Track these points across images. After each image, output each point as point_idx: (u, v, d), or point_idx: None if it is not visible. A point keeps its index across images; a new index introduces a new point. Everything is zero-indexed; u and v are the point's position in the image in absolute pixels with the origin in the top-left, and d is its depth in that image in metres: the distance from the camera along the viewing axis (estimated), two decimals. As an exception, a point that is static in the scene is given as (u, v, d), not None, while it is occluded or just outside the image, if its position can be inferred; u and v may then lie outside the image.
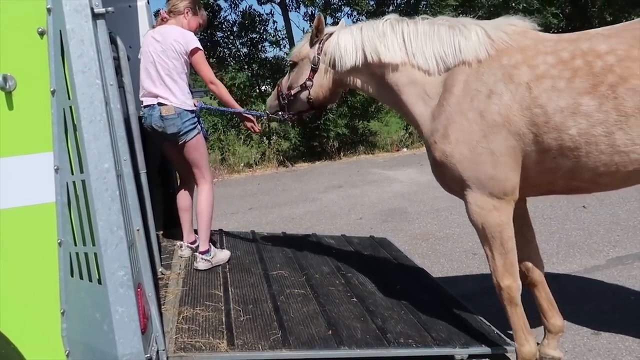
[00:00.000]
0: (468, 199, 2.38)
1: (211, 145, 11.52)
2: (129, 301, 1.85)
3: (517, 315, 2.47)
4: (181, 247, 3.45)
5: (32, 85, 1.85)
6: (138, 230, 2.04)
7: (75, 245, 1.93)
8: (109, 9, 1.85)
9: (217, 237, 4.12)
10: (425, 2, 11.36)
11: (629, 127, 2.03)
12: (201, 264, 3.27)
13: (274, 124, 11.92)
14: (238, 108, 3.44)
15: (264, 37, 12.47)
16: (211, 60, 11.34)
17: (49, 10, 1.80)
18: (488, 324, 2.82)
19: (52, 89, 1.85)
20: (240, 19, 12.16)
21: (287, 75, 3.05)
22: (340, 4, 11.72)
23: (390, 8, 11.94)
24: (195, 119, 3.19)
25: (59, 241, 1.95)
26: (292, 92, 2.93)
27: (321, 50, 2.77)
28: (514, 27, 2.39)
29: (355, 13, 11.88)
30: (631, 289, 3.60)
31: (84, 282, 1.92)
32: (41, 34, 1.82)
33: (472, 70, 2.33)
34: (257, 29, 12.35)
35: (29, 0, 1.81)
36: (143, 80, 3.16)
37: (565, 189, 2.38)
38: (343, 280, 3.32)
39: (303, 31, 12.79)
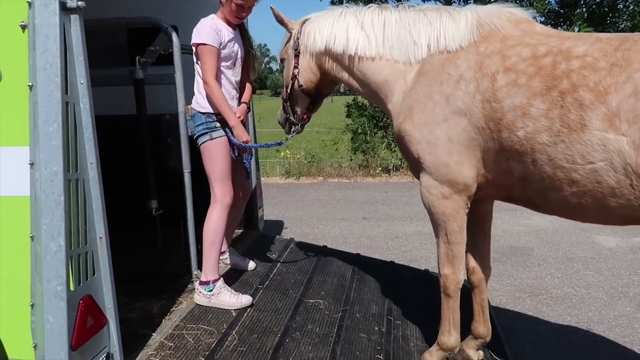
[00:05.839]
0: (421, 181, 2.36)
1: (357, 146, 11.43)
2: (59, 313, 1.75)
3: (449, 307, 2.44)
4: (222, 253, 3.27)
5: (15, 79, 1.85)
6: (101, 238, 1.94)
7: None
8: (80, 3, 1.74)
9: (283, 246, 3.93)
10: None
11: (570, 141, 1.83)
12: (197, 297, 2.80)
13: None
14: (230, 116, 2.79)
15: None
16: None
17: (29, 4, 1.77)
18: None
19: (29, 84, 1.82)
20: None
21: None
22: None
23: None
24: (210, 123, 2.79)
25: (31, 235, 1.95)
26: (288, 89, 2.81)
27: (299, 35, 2.71)
28: (510, 14, 2.23)
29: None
30: None
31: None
32: (23, 27, 1.81)
33: (451, 54, 2.23)
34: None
35: (14, -6, 1.80)
36: None
37: (522, 198, 2.21)
38: (385, 328, 2.82)
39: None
